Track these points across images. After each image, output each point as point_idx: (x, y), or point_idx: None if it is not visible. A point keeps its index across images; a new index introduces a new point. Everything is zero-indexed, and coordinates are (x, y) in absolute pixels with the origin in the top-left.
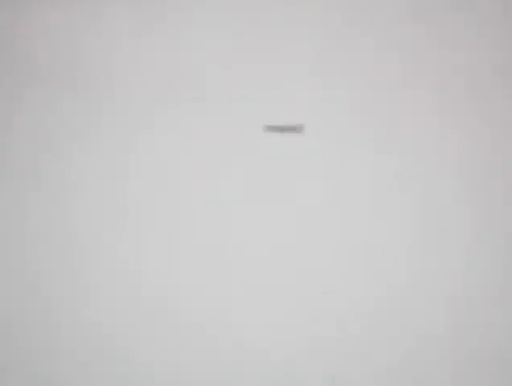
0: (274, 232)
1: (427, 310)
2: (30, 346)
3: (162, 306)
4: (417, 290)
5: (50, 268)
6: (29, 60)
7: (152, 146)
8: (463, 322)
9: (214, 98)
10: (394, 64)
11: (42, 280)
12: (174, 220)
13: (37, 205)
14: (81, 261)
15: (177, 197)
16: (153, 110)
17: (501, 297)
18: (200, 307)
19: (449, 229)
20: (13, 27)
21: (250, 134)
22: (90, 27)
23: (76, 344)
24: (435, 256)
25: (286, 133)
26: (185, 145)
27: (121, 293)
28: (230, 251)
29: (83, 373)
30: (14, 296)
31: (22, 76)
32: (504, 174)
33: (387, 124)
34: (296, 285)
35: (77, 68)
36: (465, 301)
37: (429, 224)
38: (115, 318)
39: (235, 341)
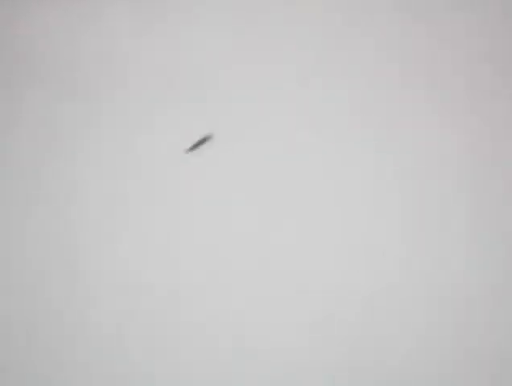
0: (274, 232)
1: (427, 309)
2: (30, 346)
3: (162, 306)
4: (417, 290)
5: (50, 268)
6: (29, 60)
7: (152, 146)
8: (463, 322)
9: (214, 98)
10: (394, 64)
11: (42, 280)
12: (174, 220)
13: (37, 205)
14: (81, 261)
15: (177, 197)
16: (153, 110)
17: (501, 297)
18: (200, 307)
19: (449, 229)
20: (13, 27)
21: (250, 134)
22: (90, 27)
23: (76, 344)
24: (435, 256)
25: (202, 146)
26: (185, 145)
27: (121, 293)
28: (230, 251)
29: (83, 373)
30: (14, 296)
31: (22, 76)
32: (504, 174)
33: (387, 124)
34: (296, 285)
35: (77, 68)
36: (465, 302)
37: (429, 224)
38: (115, 318)
39: (235, 341)
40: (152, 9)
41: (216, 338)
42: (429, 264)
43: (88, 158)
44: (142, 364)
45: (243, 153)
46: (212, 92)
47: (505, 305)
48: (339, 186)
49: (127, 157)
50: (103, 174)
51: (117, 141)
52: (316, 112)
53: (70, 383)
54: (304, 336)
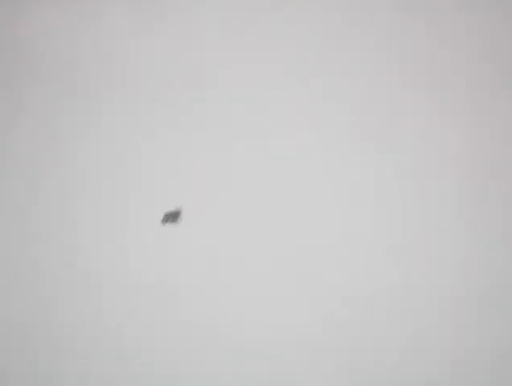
0: (273, 232)
1: (427, 309)
2: (30, 346)
3: (162, 306)
4: (417, 290)
5: (50, 268)
6: (29, 60)
7: (152, 146)
8: (463, 322)
9: (214, 98)
10: (394, 64)
11: (42, 280)
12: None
13: (37, 205)
14: (81, 261)
15: (177, 197)
16: (153, 110)
17: (501, 297)
18: (200, 307)
19: (449, 229)
20: (13, 27)
21: (251, 134)
22: (90, 27)
23: (75, 344)
24: (434, 257)
25: (173, 220)
26: (185, 145)
27: (121, 292)
28: (230, 251)
29: (83, 373)
30: (14, 296)
31: (22, 76)
32: (504, 174)
33: (387, 124)
34: (296, 285)
35: (77, 68)
36: (465, 302)
37: (429, 224)
38: (115, 318)
39: (235, 341)
40: (152, 9)
41: (216, 338)
42: (429, 264)
43: (88, 158)
44: (142, 364)
45: (243, 153)
46: (212, 92)
47: (504, 305)
48: (339, 186)
49: (127, 156)
50: (103, 174)
51: (117, 140)
52: (316, 112)
53: (70, 383)
54: (304, 336)
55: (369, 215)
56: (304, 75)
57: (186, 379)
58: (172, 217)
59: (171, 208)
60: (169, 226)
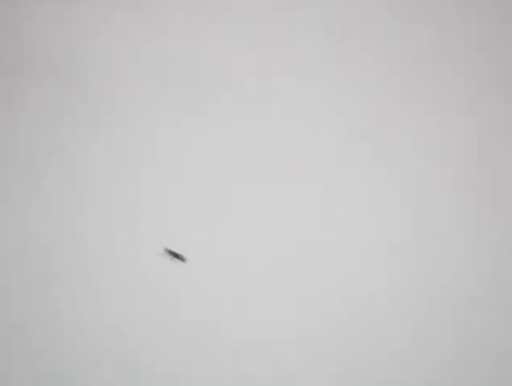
0: (273, 231)
1: (427, 309)
2: (30, 346)
3: (162, 306)
4: (417, 290)
5: (50, 268)
6: (29, 60)
7: (152, 146)
8: (463, 322)
9: (214, 98)
10: (394, 64)
11: (42, 280)
12: (173, 220)
13: (37, 205)
14: (81, 261)
15: (177, 197)
16: (153, 110)
17: (501, 297)
18: (200, 307)
19: (449, 229)
20: (13, 27)
21: (250, 135)
22: (90, 27)
23: (75, 345)
24: (435, 256)
25: (175, 258)
26: (185, 145)
27: (121, 293)
28: (230, 251)
29: (83, 373)
30: (14, 296)
31: (22, 76)
32: (504, 174)
33: (387, 124)
34: (296, 285)
35: (77, 68)
36: (465, 302)
37: (429, 224)
38: (115, 318)
39: (235, 341)
40: (152, 9)
41: (216, 338)
42: (429, 264)
43: (88, 158)
44: (142, 364)
45: (242, 153)
46: (212, 92)
47: (505, 305)
48: (339, 186)
49: (127, 157)
50: (102, 174)
51: (117, 141)
52: (316, 112)
53: (70, 383)
54: (304, 336)
55: (369, 215)
56: (304, 75)
57: (186, 379)
58: (174, 255)
59: (175, 249)
60: (169, 226)
